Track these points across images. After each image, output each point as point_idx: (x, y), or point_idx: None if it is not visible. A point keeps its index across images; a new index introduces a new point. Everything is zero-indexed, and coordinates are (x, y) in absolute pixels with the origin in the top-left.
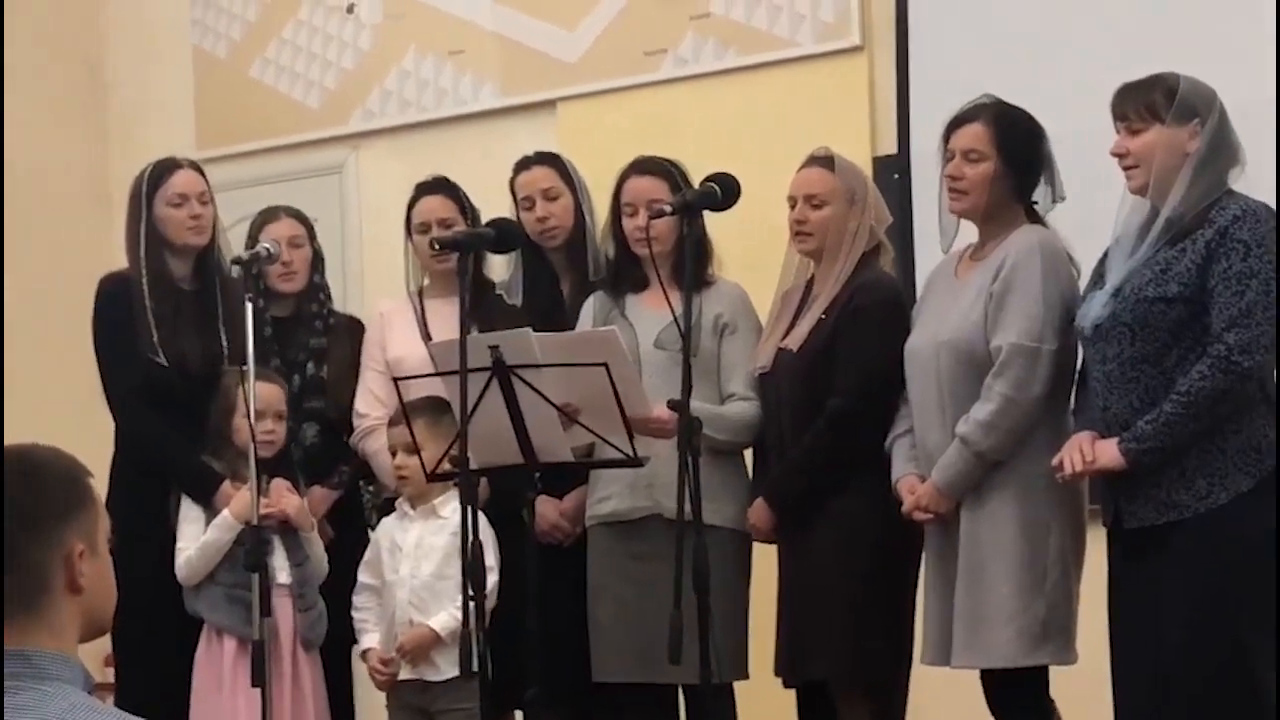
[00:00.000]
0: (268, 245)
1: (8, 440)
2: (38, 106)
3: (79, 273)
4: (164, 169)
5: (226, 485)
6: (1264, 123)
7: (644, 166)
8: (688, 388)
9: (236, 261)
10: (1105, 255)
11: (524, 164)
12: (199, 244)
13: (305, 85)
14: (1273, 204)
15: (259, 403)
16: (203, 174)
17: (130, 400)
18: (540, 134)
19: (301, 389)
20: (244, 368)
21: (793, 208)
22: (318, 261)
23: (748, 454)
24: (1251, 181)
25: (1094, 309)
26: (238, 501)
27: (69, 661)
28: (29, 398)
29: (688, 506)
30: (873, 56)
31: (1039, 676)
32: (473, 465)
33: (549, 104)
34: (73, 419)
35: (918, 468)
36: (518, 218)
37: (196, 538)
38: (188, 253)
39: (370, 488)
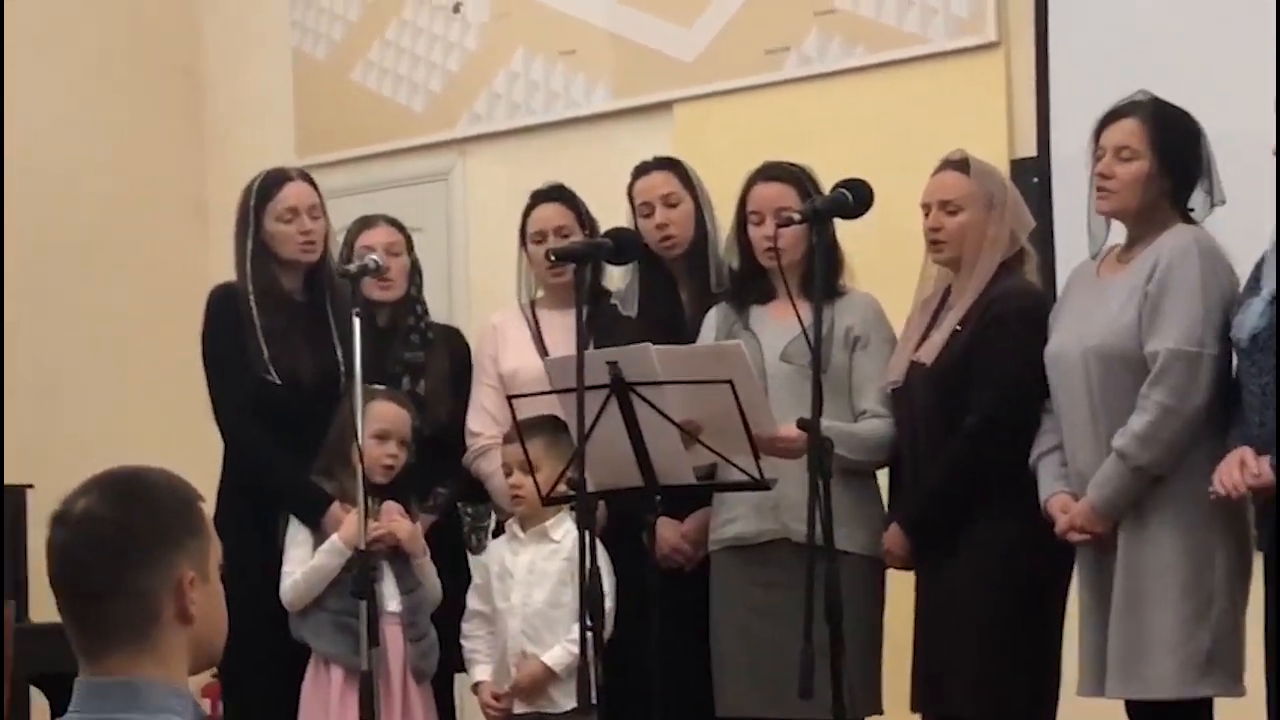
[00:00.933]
0: (375, 257)
1: (109, 463)
2: (131, 111)
3: (174, 285)
4: (273, 181)
5: (336, 508)
6: None
7: (771, 172)
8: (818, 404)
9: (344, 275)
10: (1261, 260)
11: (643, 169)
12: (310, 260)
13: (409, 88)
14: None
15: (387, 424)
16: (314, 185)
17: (239, 419)
18: (655, 137)
19: None
20: (373, 387)
21: (927, 214)
22: (415, 272)
23: (881, 475)
24: None
25: (1251, 318)
26: (347, 525)
27: (179, 693)
28: (128, 416)
29: (818, 530)
30: (1010, 53)
31: (1202, 710)
32: (590, 487)
33: (665, 106)
34: (172, 436)
35: (1068, 485)
36: (634, 225)
37: (304, 561)
38: (299, 266)
39: (470, 510)
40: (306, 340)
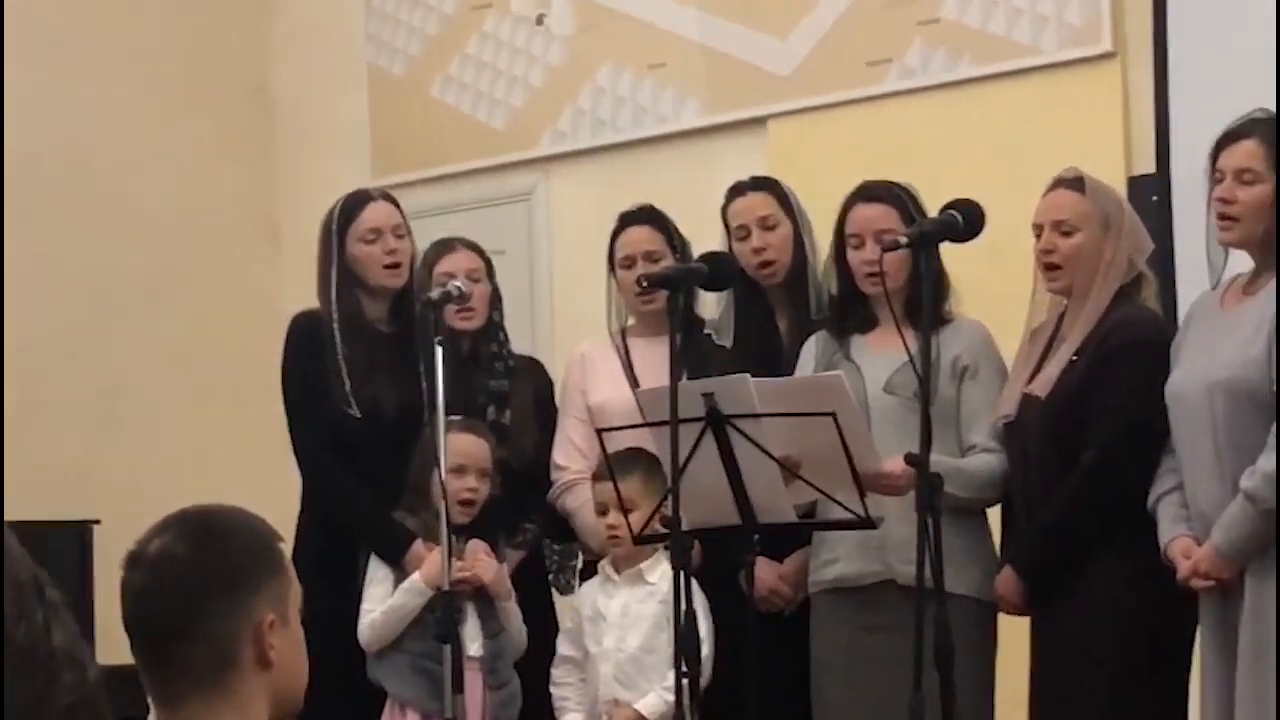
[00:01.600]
0: (459, 284)
1: (179, 500)
2: (198, 130)
3: (246, 313)
4: (355, 202)
5: (418, 545)
6: None
7: (871, 193)
8: (927, 438)
9: (425, 303)
10: None
11: (738, 190)
12: (396, 286)
13: (490, 105)
14: None
15: (463, 457)
16: (397, 205)
17: (318, 453)
18: (750, 155)
19: None
20: (451, 418)
21: (1039, 236)
22: (496, 298)
23: (992, 514)
24: None
25: None
26: (430, 564)
27: None
28: (199, 450)
29: (927, 572)
30: (1127, 64)
31: None
32: (685, 526)
33: (759, 121)
34: (246, 472)
35: (1190, 528)
36: (729, 249)
37: (383, 600)
38: (384, 292)
39: (557, 548)
40: (389, 371)
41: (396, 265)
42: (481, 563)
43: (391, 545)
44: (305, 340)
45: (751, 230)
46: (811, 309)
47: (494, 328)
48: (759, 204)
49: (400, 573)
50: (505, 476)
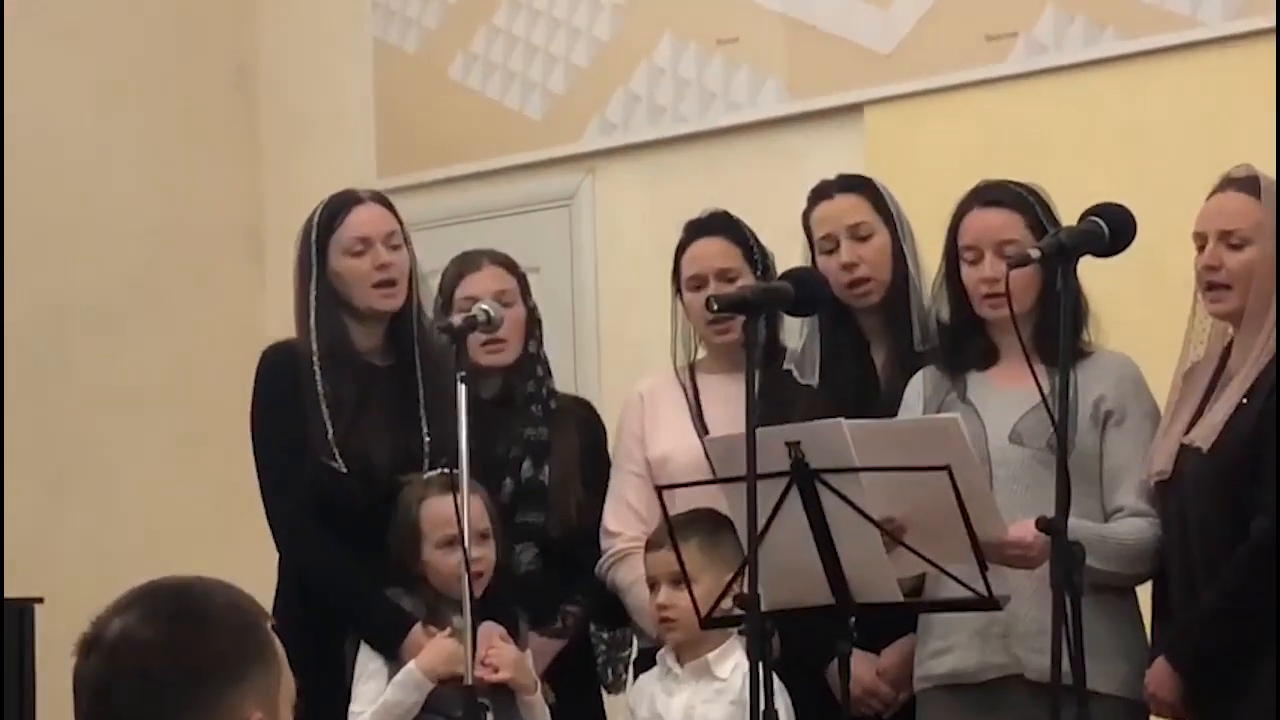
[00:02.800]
0: (485, 306)
1: (141, 574)
2: (166, 122)
3: (222, 344)
4: (338, 206)
5: (417, 631)
6: None
7: (992, 196)
8: (1065, 499)
9: (446, 330)
10: None
11: (823, 192)
12: (390, 309)
13: (523, 89)
14: None
15: (452, 526)
16: (391, 209)
17: (296, 520)
18: (842, 149)
19: (515, 498)
20: (444, 471)
21: (1201, 249)
22: (534, 325)
23: (1143, 591)
24: None
25: None
26: (430, 652)
27: None
28: (167, 512)
29: (1064, 665)
30: None
31: None
32: (764, 606)
33: (854, 109)
34: (226, 538)
35: None
36: (813, 264)
37: (375, 698)
38: (376, 317)
39: (606, 635)
40: (384, 415)
41: (390, 283)
42: (496, 650)
43: (385, 632)
44: (278, 378)
45: (840, 241)
46: (915, 339)
47: (530, 362)
48: (849, 209)
49: (397, 665)
50: (543, 548)
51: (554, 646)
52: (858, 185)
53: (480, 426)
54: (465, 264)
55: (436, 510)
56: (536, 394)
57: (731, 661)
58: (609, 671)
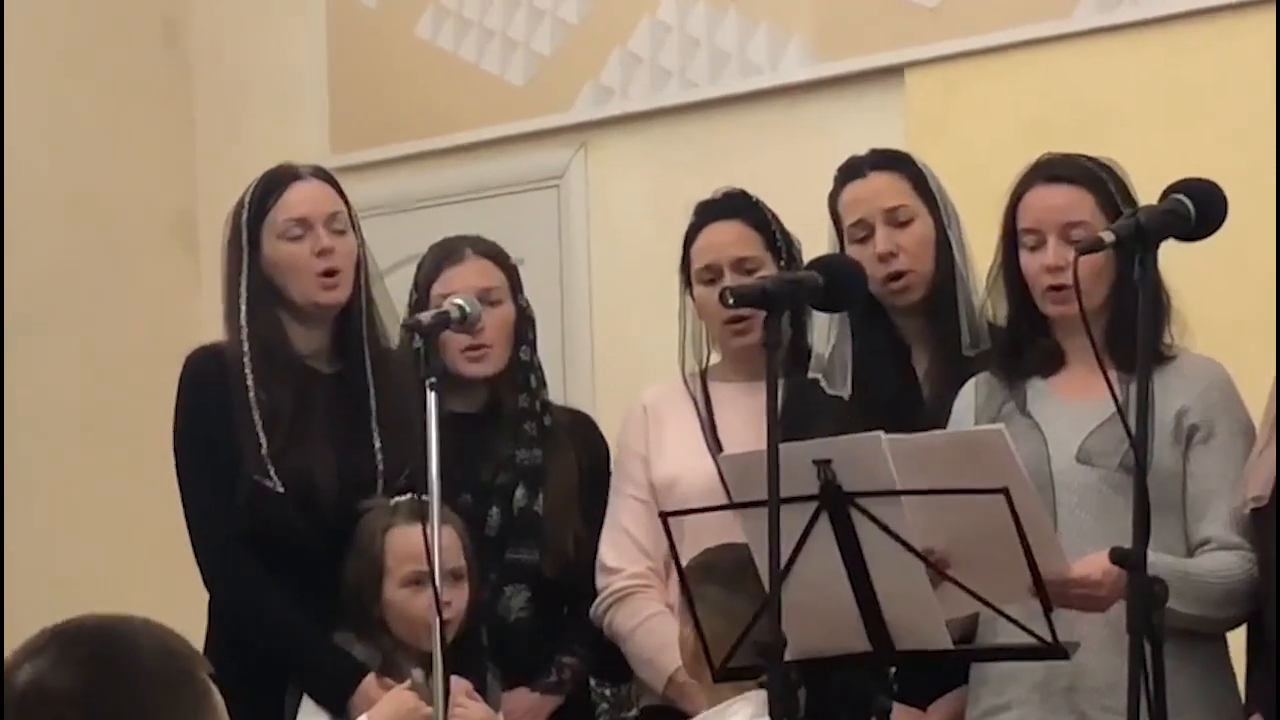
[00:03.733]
0: (459, 300)
1: (62, 608)
2: (84, 85)
3: (150, 348)
4: (273, 183)
5: (370, 682)
6: None
7: (1056, 171)
8: (1144, 528)
9: (412, 328)
10: None
11: (853, 170)
12: (334, 303)
13: (503, 49)
14: None
15: (419, 562)
16: (336, 187)
17: (225, 551)
18: (877, 120)
19: (502, 532)
20: (413, 496)
21: None
22: (525, 327)
23: (1236, 638)
24: None
25: None
26: (387, 707)
27: None
28: (86, 537)
29: None
30: None
31: None
32: (789, 654)
33: (893, 72)
34: (157, 564)
35: None
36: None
37: None
38: (319, 315)
39: (610, 692)
40: (329, 429)
41: (332, 273)
42: (464, 710)
43: (332, 682)
44: (203, 386)
45: (875, 227)
46: (964, 341)
47: (521, 371)
48: (885, 190)
49: None
50: (536, 590)
51: (549, 704)
52: (895, 162)
53: (460, 447)
54: (445, 254)
55: (403, 542)
56: (529, 409)
57: (748, 716)
58: None
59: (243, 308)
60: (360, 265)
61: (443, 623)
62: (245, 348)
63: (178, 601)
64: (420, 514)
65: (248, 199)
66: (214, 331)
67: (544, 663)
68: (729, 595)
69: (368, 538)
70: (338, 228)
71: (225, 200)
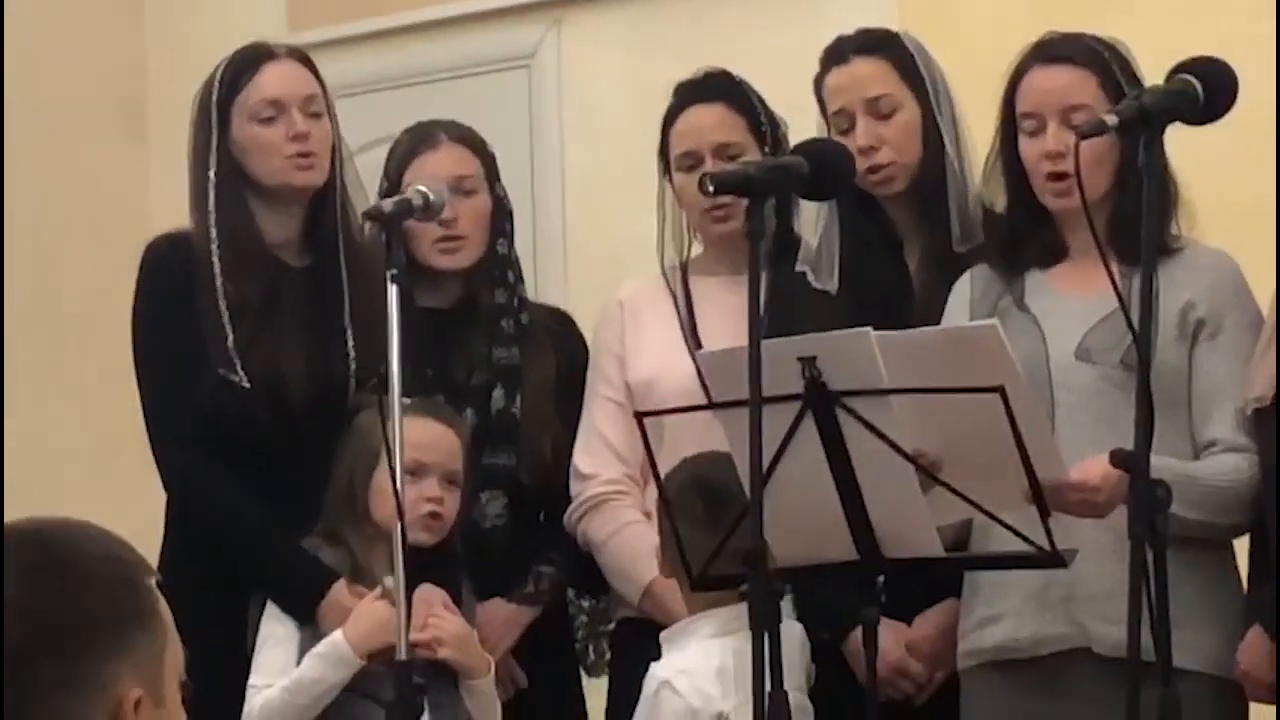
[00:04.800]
0: (424, 188)
1: (9, 508)
2: None
3: (99, 238)
4: (246, 62)
5: (339, 590)
6: None
7: (1057, 50)
8: (1147, 429)
9: (373, 216)
10: None
11: (837, 54)
12: (308, 184)
13: None
14: None
15: (420, 453)
16: (313, 69)
17: (188, 451)
18: (867, 4)
19: (479, 435)
20: (404, 400)
21: None
22: (502, 219)
23: (1241, 546)
24: None
25: None
26: (362, 620)
27: None
28: (32, 439)
29: (1144, 637)
30: None
31: None
32: (772, 563)
33: None
34: (102, 474)
35: None
36: None
37: (284, 670)
38: (290, 201)
39: (588, 604)
40: (299, 326)
41: (307, 156)
42: (438, 619)
43: (298, 589)
44: (166, 277)
45: (856, 118)
46: (954, 235)
47: (498, 264)
48: (868, 77)
49: (311, 630)
50: (513, 495)
51: (525, 616)
52: (879, 45)
53: (433, 344)
54: (419, 140)
55: (408, 430)
56: (507, 305)
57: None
58: (590, 649)
59: (211, 193)
60: (336, 153)
61: (432, 524)
62: (213, 233)
63: (133, 503)
64: (423, 410)
65: (218, 78)
66: (165, 224)
67: (520, 573)
68: (711, 516)
69: (369, 423)
70: (314, 110)
71: (175, 84)
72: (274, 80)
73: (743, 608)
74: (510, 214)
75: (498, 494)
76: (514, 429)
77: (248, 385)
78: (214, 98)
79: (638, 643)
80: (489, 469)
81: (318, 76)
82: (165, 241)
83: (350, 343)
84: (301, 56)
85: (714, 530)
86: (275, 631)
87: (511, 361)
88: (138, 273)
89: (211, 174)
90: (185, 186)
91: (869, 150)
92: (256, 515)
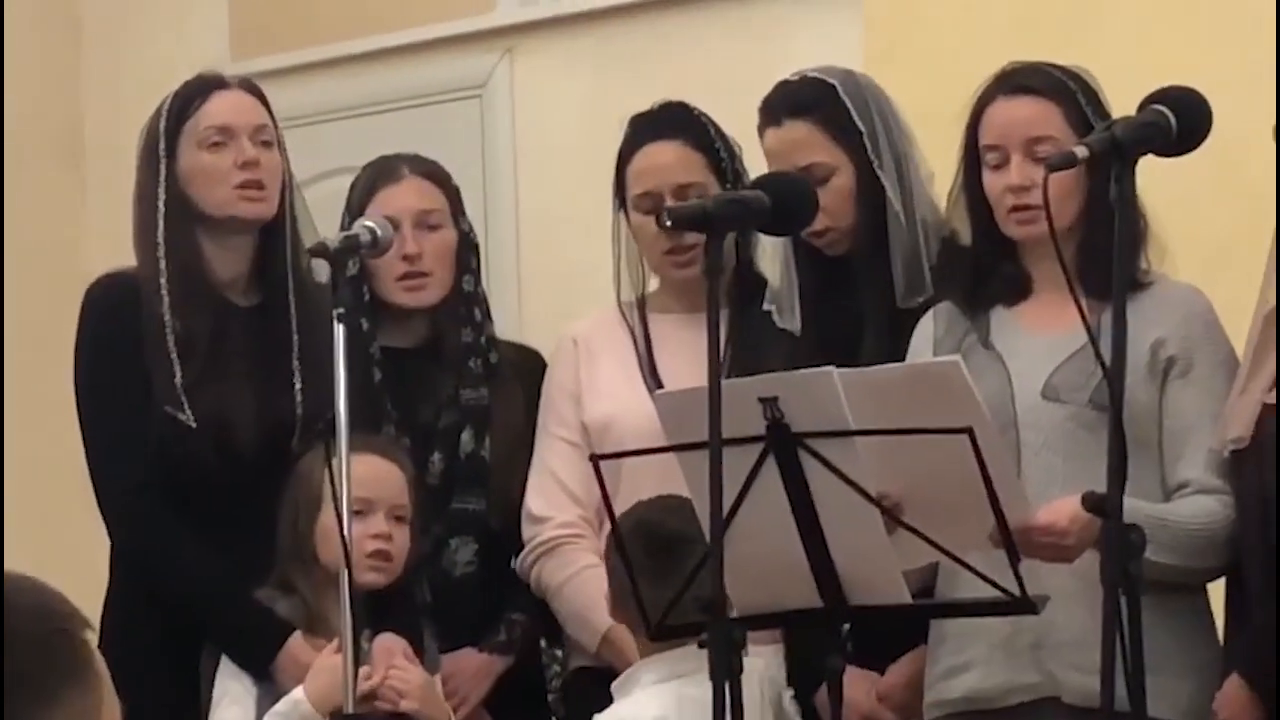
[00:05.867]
0: (371, 223)
1: None
2: None
3: (33, 273)
4: (195, 90)
5: (296, 642)
6: None
7: (1019, 81)
8: (1119, 471)
9: (318, 253)
10: None
11: (770, 114)
12: (256, 217)
13: None
14: None
15: (365, 489)
16: (264, 100)
17: (135, 496)
18: (836, 25)
19: (445, 479)
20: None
21: None
22: (468, 254)
23: (1216, 590)
24: None
25: None
26: (321, 675)
27: None
28: None
29: (1118, 687)
30: None
31: None
32: (733, 612)
33: None
34: (39, 515)
35: None
36: None
37: None
38: (239, 234)
39: (561, 653)
40: (246, 367)
41: (256, 187)
42: (398, 670)
43: (254, 643)
44: (116, 313)
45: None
46: (898, 292)
47: (465, 302)
48: (800, 143)
49: (268, 686)
50: (483, 543)
51: (497, 665)
52: (811, 105)
53: (398, 385)
54: (380, 174)
55: (352, 468)
56: (474, 344)
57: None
58: (563, 700)
59: (160, 224)
60: (286, 187)
61: (381, 564)
62: (162, 269)
63: (67, 556)
64: (374, 447)
65: (166, 106)
66: (100, 255)
67: (492, 621)
68: (664, 566)
69: (310, 465)
70: (264, 140)
71: (112, 114)
72: (224, 108)
73: (688, 651)
74: (477, 249)
75: (467, 540)
76: (483, 472)
77: (194, 425)
78: (162, 126)
79: (593, 691)
80: (458, 514)
81: (269, 109)
82: (106, 281)
83: (298, 385)
84: (252, 87)
85: (660, 579)
86: (231, 688)
87: (480, 402)
88: (80, 314)
89: (160, 205)
90: (121, 217)
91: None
92: (208, 565)
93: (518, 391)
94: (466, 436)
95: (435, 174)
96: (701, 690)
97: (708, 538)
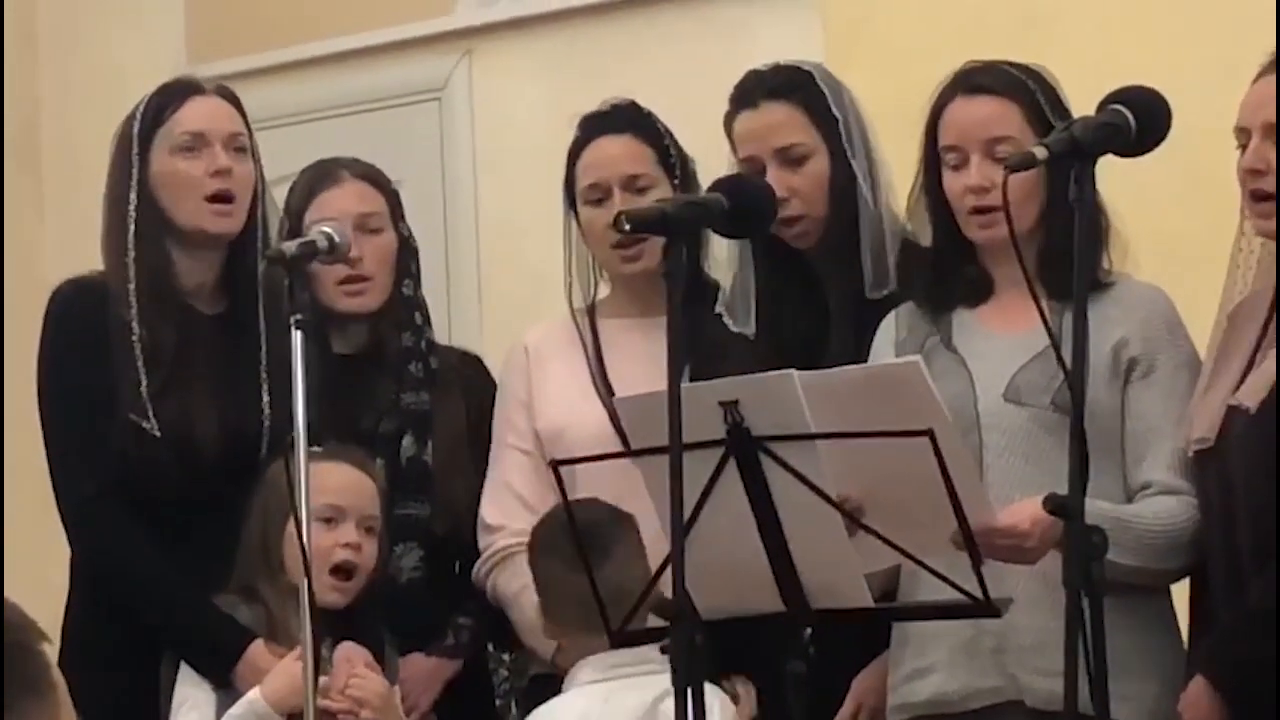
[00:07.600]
0: (328, 229)
1: None
2: None
3: None
4: (170, 95)
5: (257, 650)
6: None
7: (977, 81)
8: (1081, 473)
9: (275, 259)
10: None
11: (746, 96)
12: (223, 232)
13: None
14: None
15: (336, 498)
16: (240, 108)
17: (96, 503)
18: (794, 25)
19: (390, 485)
20: (314, 449)
21: (1243, 147)
22: (408, 259)
23: (1180, 590)
24: None
25: None
26: (279, 678)
27: None
28: None
29: (1081, 690)
30: None
31: None
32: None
33: None
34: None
35: None
36: None
37: None
38: (207, 244)
39: (509, 658)
40: (210, 376)
41: (226, 199)
42: (359, 678)
43: (215, 650)
44: (81, 319)
45: (766, 166)
46: (867, 282)
47: (405, 306)
48: (778, 125)
49: (228, 693)
50: (429, 548)
51: (445, 670)
52: (790, 88)
53: (339, 391)
54: (319, 177)
55: (320, 475)
56: (414, 349)
57: (655, 684)
58: (512, 704)
59: (131, 229)
60: (257, 198)
61: (343, 584)
62: (131, 275)
63: (25, 568)
64: (335, 456)
65: (141, 109)
66: (58, 261)
67: (439, 626)
68: (569, 569)
69: (280, 473)
70: (238, 146)
71: (69, 118)
72: (199, 114)
73: (622, 650)
74: (416, 253)
75: (412, 546)
76: (426, 478)
77: (158, 434)
78: (135, 130)
79: (550, 700)
80: (403, 520)
81: (244, 116)
82: (71, 288)
83: (266, 396)
84: (228, 94)
85: (595, 565)
86: (191, 695)
87: (421, 407)
88: (44, 319)
89: (131, 210)
90: (79, 220)
91: (782, 201)
92: (169, 573)
93: (458, 395)
94: (408, 441)
95: (374, 177)
96: (636, 693)
97: (669, 543)
